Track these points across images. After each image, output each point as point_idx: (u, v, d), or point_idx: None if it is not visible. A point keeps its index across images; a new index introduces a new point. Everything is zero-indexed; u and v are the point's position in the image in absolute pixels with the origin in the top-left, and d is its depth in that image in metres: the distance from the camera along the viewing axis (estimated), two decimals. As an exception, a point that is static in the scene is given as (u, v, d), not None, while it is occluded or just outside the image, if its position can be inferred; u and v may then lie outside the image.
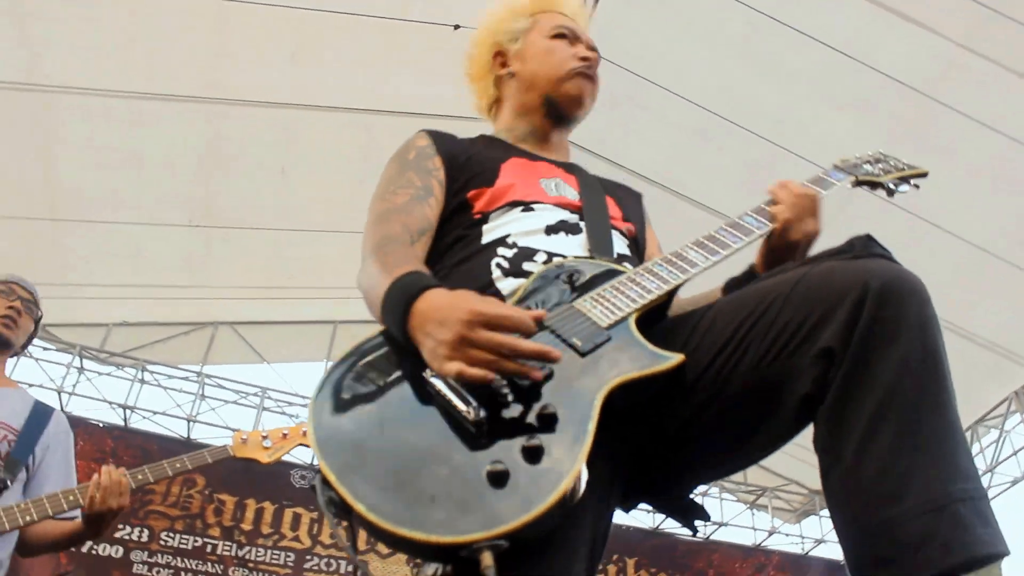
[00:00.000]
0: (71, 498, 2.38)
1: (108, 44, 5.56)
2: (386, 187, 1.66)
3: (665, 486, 1.44)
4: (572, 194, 1.70)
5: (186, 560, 7.68)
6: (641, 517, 9.28)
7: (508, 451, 1.11)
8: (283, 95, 6.13)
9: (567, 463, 1.09)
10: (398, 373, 1.26)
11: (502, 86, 1.92)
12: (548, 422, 1.15)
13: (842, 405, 1.13)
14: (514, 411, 1.17)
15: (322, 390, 1.23)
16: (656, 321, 1.40)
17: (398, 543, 1.07)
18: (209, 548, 7.80)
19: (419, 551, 1.08)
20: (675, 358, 1.26)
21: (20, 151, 6.27)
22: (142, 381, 8.28)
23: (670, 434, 1.32)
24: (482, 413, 1.14)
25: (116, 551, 7.53)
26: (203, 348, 8.54)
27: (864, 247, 1.27)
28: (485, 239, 1.59)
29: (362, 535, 1.12)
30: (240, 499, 8.07)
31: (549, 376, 1.21)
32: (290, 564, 7.89)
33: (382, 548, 7.93)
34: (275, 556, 7.91)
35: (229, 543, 7.86)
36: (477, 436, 1.14)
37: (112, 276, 7.48)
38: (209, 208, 6.99)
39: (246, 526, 7.99)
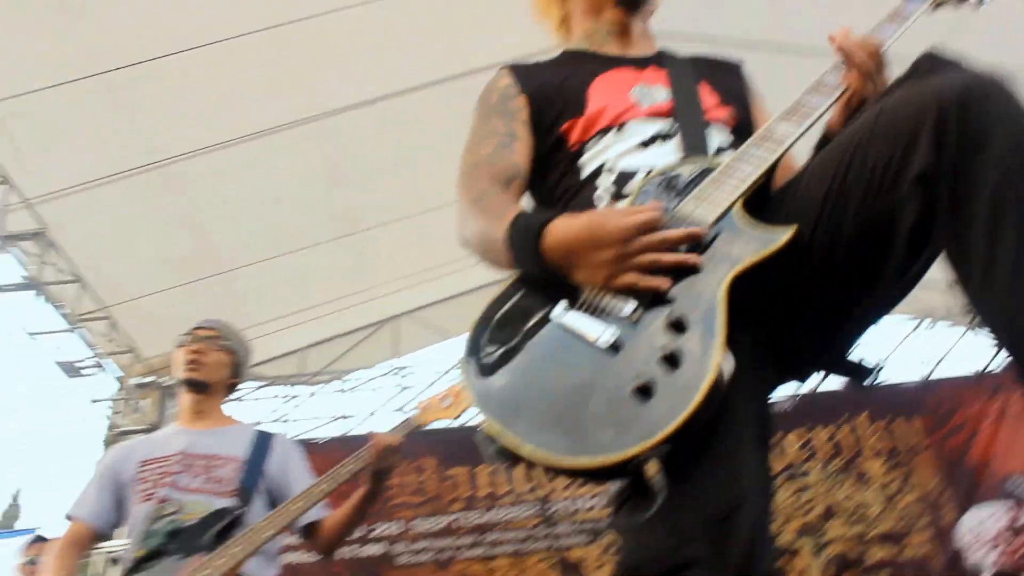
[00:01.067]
0: (300, 503, 2.51)
1: (207, 100, 5.77)
2: (472, 138, 1.71)
3: (818, 353, 1.45)
4: (663, 95, 1.67)
5: (441, 539, 8.07)
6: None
7: (647, 364, 1.16)
8: (385, 87, 6.17)
9: (705, 361, 1.14)
10: (531, 319, 1.32)
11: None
12: (678, 327, 1.19)
13: (955, 221, 1.11)
14: (643, 325, 1.22)
15: (468, 351, 1.33)
16: (761, 202, 1.40)
17: (570, 473, 1.17)
18: (457, 523, 8.16)
19: (591, 475, 1.17)
20: (785, 233, 1.27)
21: (169, 222, 6.66)
22: (347, 391, 8.72)
23: (802, 302, 1.34)
24: (615, 335, 1.21)
25: (378, 549, 8.01)
26: (391, 343, 8.82)
27: (930, 64, 1.27)
28: (584, 172, 1.60)
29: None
30: (470, 469, 8.34)
31: (669, 284, 1.24)
32: (535, 515, 8.15)
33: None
34: (519, 511, 8.18)
35: (474, 512, 8.20)
36: (615, 358, 1.20)
37: (288, 305, 7.82)
38: (351, 216, 7.18)
39: (482, 492, 8.29)
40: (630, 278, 1.23)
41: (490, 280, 8.66)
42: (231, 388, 2.98)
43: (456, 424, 8.32)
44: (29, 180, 5.98)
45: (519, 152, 1.65)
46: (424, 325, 8.85)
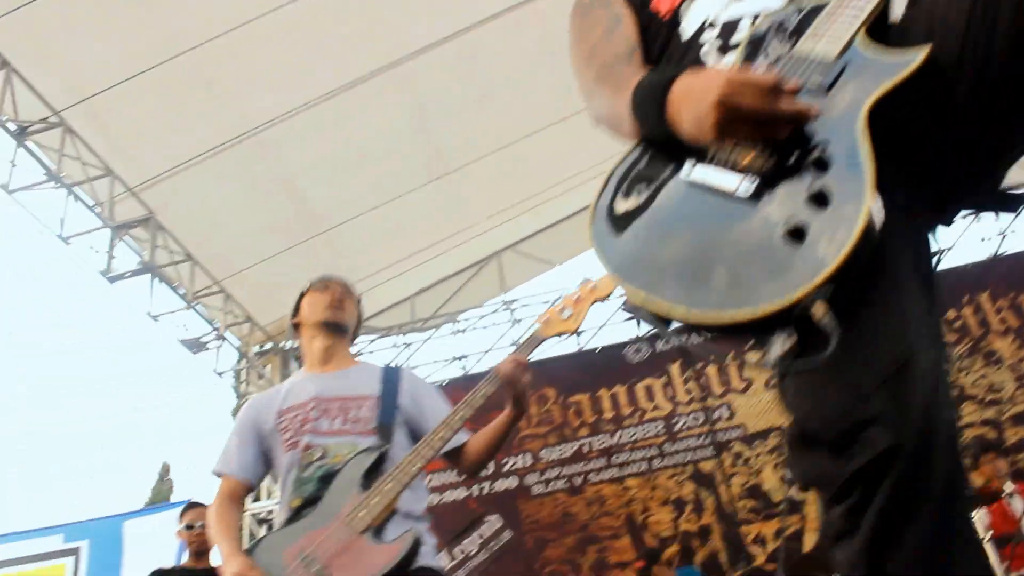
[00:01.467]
0: (442, 433, 2.49)
1: (287, 64, 5.78)
2: (578, 34, 1.65)
3: (971, 186, 1.34)
4: None
5: (571, 466, 8.17)
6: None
7: (795, 207, 1.10)
8: (458, 22, 6.09)
9: (856, 193, 1.07)
10: (660, 179, 1.26)
11: None
12: (821, 165, 1.13)
13: None
14: (783, 169, 1.15)
15: (595, 224, 1.26)
16: (886, 28, 1.30)
17: (732, 330, 1.10)
18: (585, 448, 8.24)
19: (754, 329, 1.09)
20: (920, 53, 1.17)
21: (266, 191, 6.75)
22: (461, 332, 8.77)
23: (954, 130, 1.23)
24: (754, 183, 1.15)
25: (512, 482, 8.16)
26: (497, 279, 8.85)
27: None
28: (685, 37, 1.53)
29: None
30: (592, 394, 8.43)
31: (805, 123, 1.17)
32: (662, 432, 8.18)
33: (737, 384, 8.06)
34: (645, 431, 8.22)
35: (600, 436, 8.26)
36: (757, 206, 1.14)
37: (390, 255, 7.90)
38: (441, 157, 7.14)
39: (607, 415, 8.34)
40: (757, 128, 1.16)
41: (587, 204, 8.58)
42: (353, 339, 2.98)
43: (573, 351, 8.56)
44: (131, 169, 6.12)
45: (629, 26, 1.59)
46: (528, 257, 8.85)
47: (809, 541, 7.27)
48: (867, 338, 1.13)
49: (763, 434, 7.92)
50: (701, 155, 1.23)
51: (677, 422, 8.17)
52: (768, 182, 1.15)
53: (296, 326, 2.94)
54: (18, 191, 5.71)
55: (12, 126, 5.51)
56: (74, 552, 6.25)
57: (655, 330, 1.17)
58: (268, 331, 8.11)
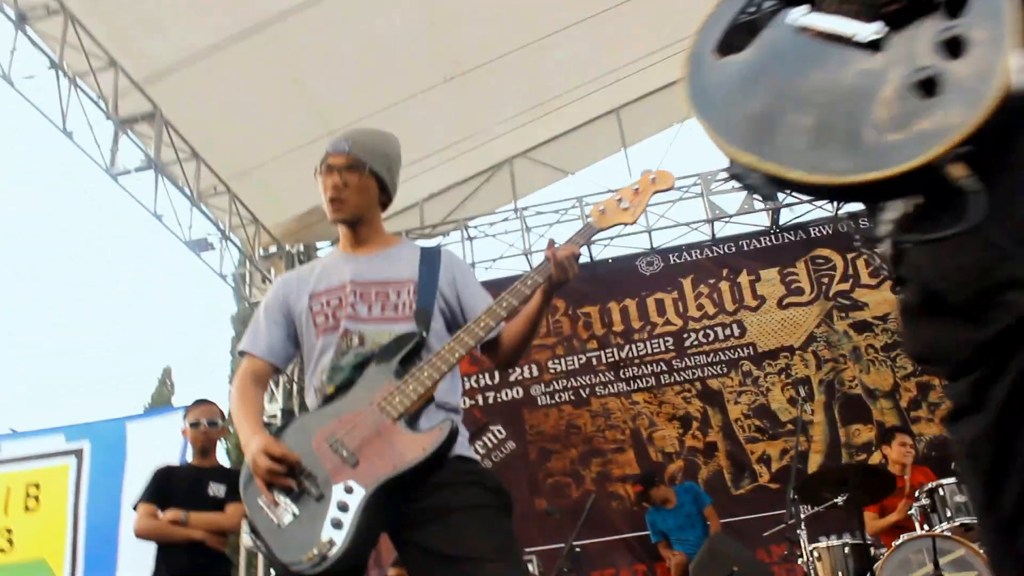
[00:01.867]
0: (486, 321, 2.34)
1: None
2: None
3: None
4: None
5: (579, 378, 8.14)
6: None
7: (924, 54, 0.98)
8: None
9: (996, 44, 0.94)
10: (766, 24, 1.14)
11: None
12: (953, 8, 0.99)
13: None
14: (909, 12, 1.02)
15: (691, 78, 1.15)
16: None
17: (855, 193, 1.01)
18: (594, 360, 8.19)
19: (880, 192, 1.01)
20: None
21: (275, 89, 6.54)
22: (471, 239, 8.65)
23: None
24: (877, 27, 1.02)
25: (517, 392, 8.14)
26: (509, 186, 8.69)
27: None
28: None
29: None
30: (602, 306, 8.34)
31: None
32: (671, 348, 8.11)
33: (750, 301, 7.93)
34: (655, 345, 8.15)
35: (609, 349, 8.19)
36: (880, 55, 1.02)
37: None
38: (455, 59, 6.90)
39: (617, 328, 8.26)
40: None
41: (606, 111, 8.52)
42: (385, 204, 2.67)
43: (585, 260, 8.34)
44: (136, 62, 5.92)
45: None
46: (541, 164, 8.66)
47: (814, 462, 7.35)
48: (1006, 196, 1.00)
49: (773, 353, 7.86)
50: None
51: (687, 338, 8.09)
52: (893, 25, 1.02)
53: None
54: (19, 81, 5.49)
55: (12, 12, 5.28)
56: (77, 452, 6.26)
57: (764, 198, 1.24)
58: (274, 233, 7.97)
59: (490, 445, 7.90)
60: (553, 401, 8.05)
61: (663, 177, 2.59)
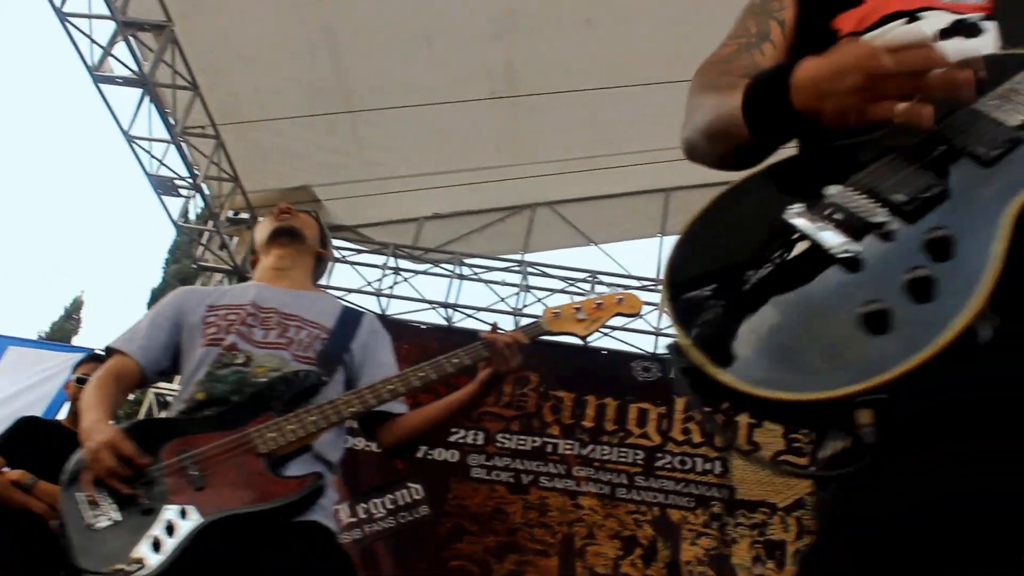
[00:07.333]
0: (394, 386, 2.36)
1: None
2: (723, 40, 1.59)
3: None
4: None
5: (525, 461, 7.31)
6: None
7: (887, 287, 0.95)
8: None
9: (963, 296, 0.90)
10: (755, 220, 1.14)
11: None
12: (939, 248, 0.96)
13: None
14: (895, 239, 1.01)
15: (674, 264, 1.15)
16: None
17: (761, 410, 1.01)
18: (549, 448, 7.39)
19: (787, 415, 1.10)
20: None
21: (306, 48, 6.02)
22: (461, 277, 7.94)
23: None
24: (855, 245, 1.01)
25: (452, 455, 7.31)
26: (522, 234, 8.06)
27: None
28: None
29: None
30: (579, 395, 7.58)
31: (941, 193, 1.01)
32: (640, 462, 7.31)
33: (742, 443, 7.28)
34: (622, 454, 7.35)
35: (571, 442, 7.40)
36: (849, 274, 1.00)
37: (417, 165, 7.16)
38: (511, 75, 6.39)
39: (587, 423, 7.49)
40: (884, 107, 1.05)
41: (655, 187, 7.88)
42: (319, 262, 2.82)
43: (578, 343, 7.72)
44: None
45: (766, 54, 1.49)
46: (565, 221, 8.05)
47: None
48: (893, 472, 1.03)
49: (751, 505, 7.12)
50: (810, 199, 1.10)
51: (661, 458, 7.33)
52: (875, 249, 1.01)
53: (254, 263, 2.81)
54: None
55: None
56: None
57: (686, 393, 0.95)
58: (251, 200, 7.28)
59: (400, 503, 7.05)
60: (488, 477, 7.22)
61: (630, 301, 2.64)
